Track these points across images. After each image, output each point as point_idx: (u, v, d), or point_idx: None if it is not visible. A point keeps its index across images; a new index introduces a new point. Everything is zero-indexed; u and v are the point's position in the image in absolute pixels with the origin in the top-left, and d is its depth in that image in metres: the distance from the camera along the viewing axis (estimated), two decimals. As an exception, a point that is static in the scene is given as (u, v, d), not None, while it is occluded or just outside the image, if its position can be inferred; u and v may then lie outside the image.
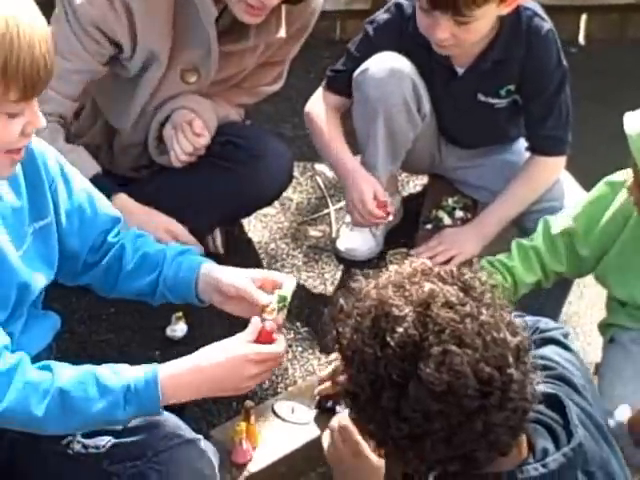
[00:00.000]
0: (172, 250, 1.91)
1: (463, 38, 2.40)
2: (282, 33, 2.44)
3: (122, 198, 2.31)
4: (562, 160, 2.65)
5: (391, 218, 2.57)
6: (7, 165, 1.64)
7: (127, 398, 1.64)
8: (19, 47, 1.51)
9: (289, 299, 1.84)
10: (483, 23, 2.39)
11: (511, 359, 1.42)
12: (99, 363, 2.23)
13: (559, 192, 2.61)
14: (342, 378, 1.52)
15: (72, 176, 1.87)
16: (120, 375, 1.67)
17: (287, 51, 2.59)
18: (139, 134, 2.53)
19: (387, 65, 2.54)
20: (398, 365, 1.40)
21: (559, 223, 2.31)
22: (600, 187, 2.31)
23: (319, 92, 2.68)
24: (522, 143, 2.73)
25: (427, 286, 1.44)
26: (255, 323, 1.79)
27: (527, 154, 2.68)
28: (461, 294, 1.45)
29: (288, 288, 1.85)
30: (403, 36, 2.56)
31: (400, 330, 1.40)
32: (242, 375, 1.72)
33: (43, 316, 1.91)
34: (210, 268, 1.89)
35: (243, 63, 2.52)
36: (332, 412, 1.97)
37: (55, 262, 1.83)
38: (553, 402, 1.59)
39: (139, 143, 2.54)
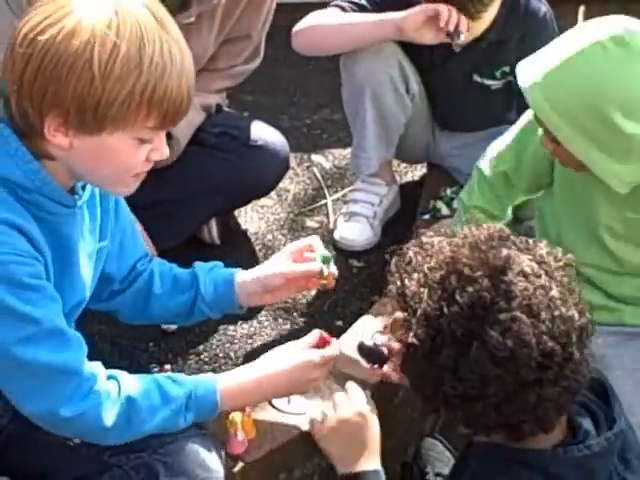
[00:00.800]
0: (202, 268, 1.95)
1: (477, 28, 2.47)
2: None
3: None
4: None
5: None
6: (122, 186, 1.65)
7: (188, 405, 1.67)
8: (169, 76, 1.52)
9: (328, 253, 1.92)
10: (493, 10, 2.45)
11: (574, 338, 1.44)
12: (91, 355, 2.22)
13: None
14: (399, 331, 1.51)
15: (121, 198, 1.87)
16: (180, 384, 1.69)
17: (250, 24, 2.54)
18: None
19: (373, 46, 2.54)
20: (463, 324, 1.41)
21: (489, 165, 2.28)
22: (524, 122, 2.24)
23: (319, 12, 2.65)
24: None
25: (504, 252, 1.45)
26: (314, 333, 1.87)
27: None
28: (535, 266, 1.45)
29: (319, 246, 1.91)
30: (410, 3, 2.54)
31: (471, 290, 1.41)
32: (307, 379, 1.81)
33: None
34: (243, 275, 1.95)
35: (202, 39, 2.46)
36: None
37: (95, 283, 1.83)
38: (597, 388, 1.59)
39: None
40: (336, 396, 1.90)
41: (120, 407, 1.60)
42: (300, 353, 1.81)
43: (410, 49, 2.61)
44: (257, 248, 2.70)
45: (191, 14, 2.39)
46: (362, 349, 1.94)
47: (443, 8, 2.40)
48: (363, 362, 1.97)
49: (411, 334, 1.45)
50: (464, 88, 2.64)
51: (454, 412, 1.49)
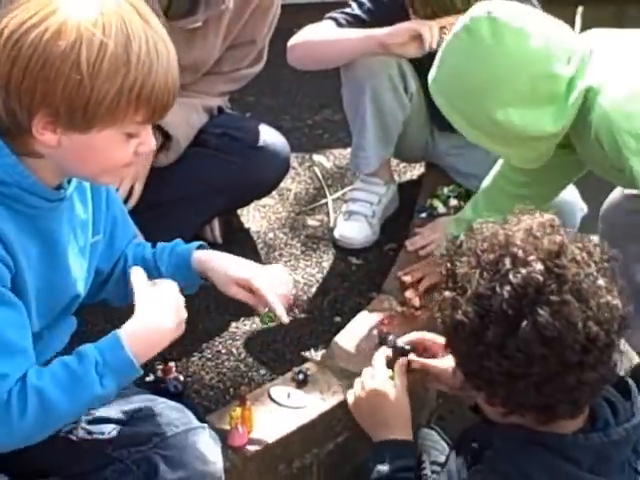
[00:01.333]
0: (163, 250, 1.94)
1: None
2: (228, 5, 2.40)
3: None
4: None
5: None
6: (112, 178, 1.68)
7: (99, 371, 1.59)
8: (156, 73, 1.53)
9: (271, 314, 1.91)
10: None
11: (616, 326, 1.49)
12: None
13: None
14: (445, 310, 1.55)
15: (112, 187, 1.88)
16: (83, 354, 1.60)
17: (254, 30, 2.55)
18: None
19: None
20: (514, 304, 1.45)
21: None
22: None
23: (311, 28, 2.66)
24: None
25: (558, 238, 1.50)
26: None
27: None
28: (585, 255, 1.51)
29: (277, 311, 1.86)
30: (396, 12, 2.57)
31: (524, 272, 1.45)
32: (177, 300, 1.72)
33: (66, 319, 1.90)
34: (201, 256, 1.92)
35: (208, 44, 2.48)
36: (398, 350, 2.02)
37: (92, 277, 1.84)
38: (620, 386, 1.63)
39: None
40: (364, 371, 1.98)
41: (30, 401, 1.53)
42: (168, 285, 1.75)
43: None
44: (259, 247, 2.72)
45: (198, 19, 2.41)
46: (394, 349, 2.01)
47: (425, 30, 2.43)
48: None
49: (459, 312, 1.50)
50: None
51: (495, 389, 1.53)
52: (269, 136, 2.62)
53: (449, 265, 1.57)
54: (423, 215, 2.76)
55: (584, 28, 4.77)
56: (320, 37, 2.59)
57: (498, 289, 1.46)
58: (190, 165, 2.54)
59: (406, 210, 2.84)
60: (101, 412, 1.79)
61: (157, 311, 1.69)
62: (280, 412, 2.07)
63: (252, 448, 1.98)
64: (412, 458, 1.88)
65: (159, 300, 1.71)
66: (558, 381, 1.47)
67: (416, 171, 3.08)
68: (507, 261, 1.48)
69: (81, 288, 1.78)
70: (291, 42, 2.62)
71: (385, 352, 2.01)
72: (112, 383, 1.60)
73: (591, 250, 1.53)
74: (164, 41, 1.56)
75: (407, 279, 2.39)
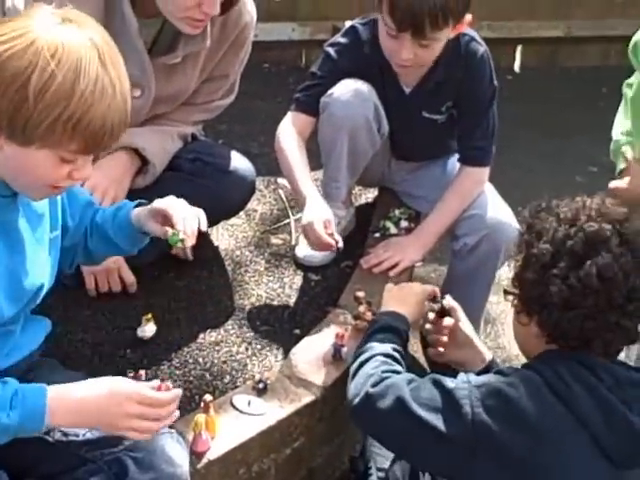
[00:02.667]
0: (107, 217, 1.90)
1: (424, 58, 2.40)
2: (207, 43, 2.35)
3: None
4: (486, 171, 2.62)
5: (340, 245, 2.35)
6: (43, 194, 1.63)
7: (13, 403, 1.50)
8: (95, 112, 1.49)
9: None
10: (440, 44, 2.38)
11: None
12: (75, 361, 2.18)
13: (483, 202, 2.58)
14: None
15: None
16: (8, 383, 1.54)
17: (227, 65, 2.49)
18: None
19: (352, 88, 2.49)
20: (584, 247, 1.61)
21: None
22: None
23: (288, 116, 2.58)
24: (455, 157, 2.71)
25: (624, 211, 1.68)
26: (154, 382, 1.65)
27: (458, 166, 2.65)
28: None
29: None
30: (359, 58, 2.51)
31: (596, 226, 1.63)
32: (122, 411, 1.56)
33: (37, 319, 1.86)
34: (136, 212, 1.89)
35: (186, 78, 2.43)
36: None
37: (56, 270, 1.79)
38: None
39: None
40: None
41: None
42: (123, 384, 1.60)
43: None
44: (226, 263, 2.64)
45: (178, 55, 2.36)
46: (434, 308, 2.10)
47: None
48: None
49: (535, 249, 1.65)
50: (416, 123, 2.61)
51: (550, 313, 1.63)
52: (237, 161, 2.56)
53: (530, 221, 1.70)
54: (377, 235, 2.69)
55: (523, 64, 4.85)
56: (286, 152, 2.52)
57: (572, 234, 1.62)
58: (165, 187, 2.43)
59: (361, 230, 2.77)
60: None
61: (91, 392, 1.57)
62: (241, 419, 1.99)
63: (214, 453, 1.90)
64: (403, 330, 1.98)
65: (97, 385, 1.59)
66: (601, 319, 1.60)
67: (371, 194, 3.02)
68: (582, 216, 1.64)
69: (44, 279, 1.72)
70: (277, 132, 2.57)
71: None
72: (16, 420, 1.50)
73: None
74: (114, 87, 1.52)
75: (361, 295, 2.32)
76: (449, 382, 1.68)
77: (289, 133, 2.54)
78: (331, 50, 2.54)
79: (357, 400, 1.76)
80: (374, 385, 1.74)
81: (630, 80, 2.41)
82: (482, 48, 2.50)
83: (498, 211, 2.56)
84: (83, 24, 1.53)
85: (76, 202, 1.88)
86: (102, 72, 1.50)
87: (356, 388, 1.78)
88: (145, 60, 2.31)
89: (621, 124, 2.38)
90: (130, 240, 1.92)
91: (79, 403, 1.56)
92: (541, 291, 1.63)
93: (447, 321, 2.08)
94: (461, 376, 1.70)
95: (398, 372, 1.79)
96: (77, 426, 1.66)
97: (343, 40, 2.53)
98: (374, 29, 2.46)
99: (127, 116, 1.56)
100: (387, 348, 1.87)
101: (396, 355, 1.86)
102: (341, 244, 2.35)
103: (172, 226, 1.84)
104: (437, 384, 1.68)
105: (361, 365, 1.83)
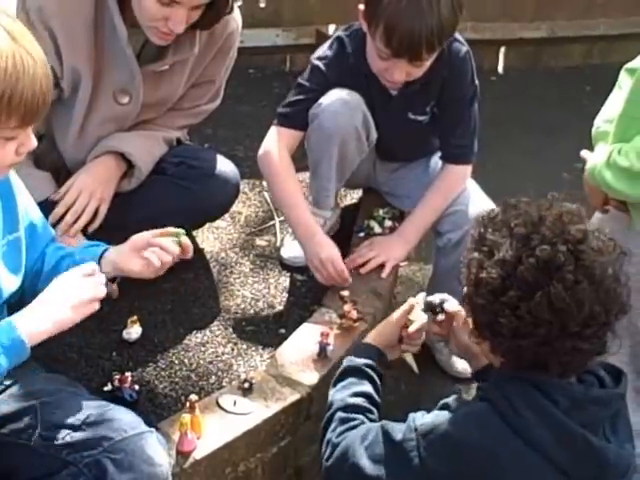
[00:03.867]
0: (72, 253, 1.91)
1: (416, 74, 2.41)
2: (195, 51, 2.36)
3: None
4: (469, 169, 2.63)
5: (350, 281, 2.42)
6: (3, 173, 1.67)
7: None
8: (23, 83, 1.52)
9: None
10: (432, 60, 2.40)
11: (615, 310, 1.55)
12: (62, 364, 2.18)
13: (466, 198, 2.58)
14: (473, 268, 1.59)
15: (28, 194, 1.84)
16: None
17: (214, 71, 2.50)
18: (83, 155, 2.44)
19: (340, 98, 2.48)
20: (535, 274, 1.50)
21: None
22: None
23: (274, 133, 2.52)
24: (437, 155, 2.71)
25: (583, 227, 1.55)
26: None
27: (440, 164, 2.66)
28: (602, 245, 1.55)
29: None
30: (346, 69, 2.51)
31: (549, 249, 1.50)
32: (74, 285, 1.69)
33: None
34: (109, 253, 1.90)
35: (173, 84, 2.44)
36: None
37: (22, 271, 1.78)
38: (614, 373, 1.66)
39: (80, 164, 2.45)
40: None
41: None
42: (69, 272, 1.72)
43: None
44: (212, 265, 2.64)
45: (166, 63, 2.37)
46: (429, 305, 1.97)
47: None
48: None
49: (484, 272, 1.54)
50: (401, 125, 2.61)
51: (501, 342, 1.57)
52: (222, 164, 2.57)
53: (481, 230, 1.60)
54: (361, 235, 2.69)
55: (506, 65, 4.86)
56: (278, 178, 2.49)
57: (524, 259, 1.51)
58: (150, 191, 2.49)
59: (346, 231, 2.77)
60: (56, 419, 1.71)
61: (46, 296, 1.67)
62: (227, 418, 1.98)
63: (201, 453, 1.89)
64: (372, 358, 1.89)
65: (51, 288, 1.69)
66: (556, 345, 1.52)
67: (356, 195, 3.02)
68: (536, 238, 1.52)
69: (4, 285, 1.72)
70: (261, 152, 2.52)
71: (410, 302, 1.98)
72: (5, 362, 1.59)
73: (606, 242, 1.57)
74: (31, 55, 1.55)
75: (345, 294, 2.32)
76: (397, 433, 1.65)
77: (281, 155, 2.49)
78: (319, 63, 2.52)
79: (323, 472, 1.77)
80: (329, 457, 1.74)
81: (634, 64, 2.15)
82: (464, 48, 2.51)
83: (481, 206, 2.53)
84: None
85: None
86: (15, 46, 1.52)
87: (321, 456, 1.78)
88: (134, 68, 2.32)
89: (605, 110, 2.28)
90: None
91: (41, 310, 1.65)
92: (490, 319, 1.56)
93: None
94: (409, 421, 1.66)
95: (355, 426, 1.75)
96: (55, 329, 1.68)
97: (330, 53, 2.52)
98: (358, 39, 2.47)
99: (51, 79, 1.58)
100: (345, 398, 1.81)
101: (356, 401, 1.81)
102: (350, 280, 2.41)
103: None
104: (386, 437, 1.67)
105: (324, 429, 1.80)
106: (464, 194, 2.59)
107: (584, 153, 2.20)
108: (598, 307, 1.51)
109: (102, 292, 1.73)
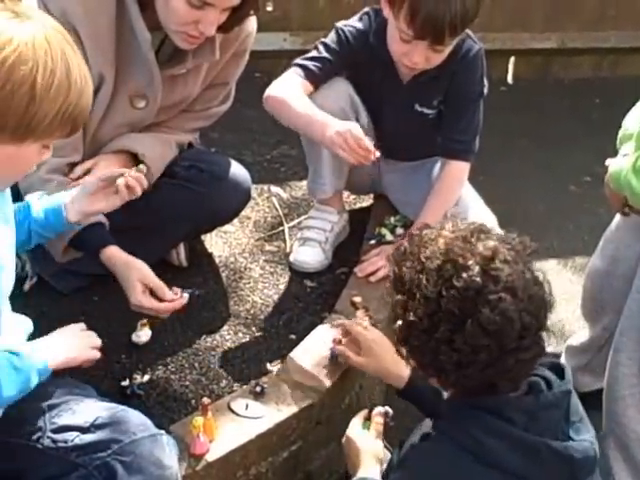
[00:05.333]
0: (34, 201, 1.99)
1: (435, 60, 2.47)
2: (217, 55, 2.39)
3: (111, 250, 2.23)
4: (467, 167, 2.67)
5: (378, 154, 2.36)
6: (13, 182, 1.75)
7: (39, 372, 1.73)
8: (83, 96, 1.58)
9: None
10: (451, 47, 2.45)
11: (543, 312, 1.58)
12: (70, 367, 2.21)
13: (464, 206, 2.64)
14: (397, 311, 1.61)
15: None
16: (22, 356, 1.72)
17: (228, 73, 2.54)
18: (89, 155, 2.43)
19: (326, 83, 2.55)
20: (459, 305, 1.51)
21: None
22: None
23: (291, 77, 2.53)
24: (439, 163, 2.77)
25: (492, 243, 1.57)
26: None
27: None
28: (513, 254, 1.57)
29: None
30: (366, 46, 2.56)
31: (465, 276, 1.52)
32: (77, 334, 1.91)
33: (17, 319, 1.89)
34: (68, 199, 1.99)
35: (188, 87, 2.47)
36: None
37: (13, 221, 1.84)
38: (557, 369, 1.71)
39: None
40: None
41: None
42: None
43: (361, 86, 2.63)
44: (221, 269, 2.68)
45: (186, 66, 2.39)
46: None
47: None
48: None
49: (411, 314, 1.56)
50: (407, 117, 2.66)
51: (447, 376, 1.59)
52: (233, 169, 2.60)
53: (396, 269, 1.62)
54: (372, 242, 2.74)
55: (516, 75, 4.91)
56: (290, 103, 2.47)
57: (444, 292, 1.52)
58: (160, 194, 2.50)
59: (356, 238, 2.82)
60: (65, 421, 1.75)
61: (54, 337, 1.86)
62: (239, 422, 2.03)
63: (213, 456, 1.93)
64: None
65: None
66: (499, 364, 1.54)
67: (365, 202, 3.07)
68: (449, 267, 1.53)
69: (7, 260, 1.75)
70: (267, 93, 2.52)
71: (363, 414, 1.97)
72: (36, 381, 1.72)
73: (517, 248, 1.59)
74: (85, 66, 1.61)
75: (358, 300, 2.36)
76: None
77: (297, 90, 2.49)
78: (347, 32, 2.57)
79: None
80: None
81: None
82: (477, 46, 2.57)
83: (478, 216, 2.58)
84: (38, 14, 1.59)
85: None
86: (78, 57, 1.59)
87: None
88: (155, 73, 2.33)
89: (635, 112, 2.27)
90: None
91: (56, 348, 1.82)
92: (430, 358, 1.58)
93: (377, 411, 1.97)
94: None
95: None
96: (66, 363, 1.83)
97: (359, 25, 2.57)
98: (379, 21, 2.52)
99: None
100: None
101: None
102: (378, 154, 2.36)
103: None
104: None
105: None
106: (461, 203, 2.64)
107: (610, 161, 2.23)
108: (528, 317, 1.54)
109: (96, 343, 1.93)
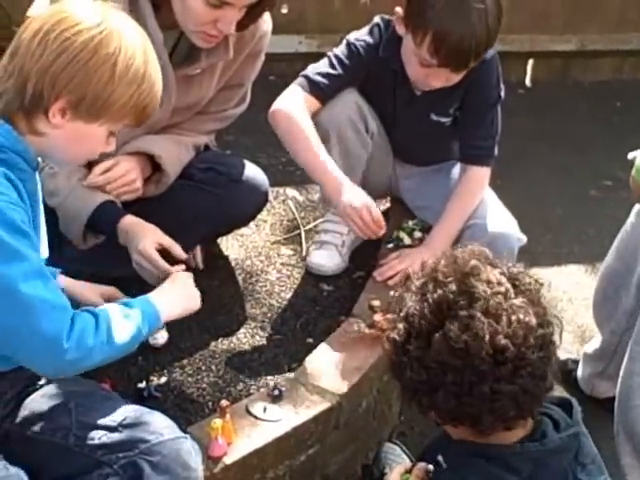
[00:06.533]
0: None
1: (454, 80, 2.51)
2: (230, 54, 2.42)
3: (127, 219, 2.32)
4: (487, 172, 2.70)
5: (384, 231, 2.47)
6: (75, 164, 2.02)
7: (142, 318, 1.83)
8: (157, 89, 1.74)
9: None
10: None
11: (532, 342, 1.49)
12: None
13: (484, 211, 2.66)
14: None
15: None
16: (133, 305, 1.85)
17: (243, 74, 2.57)
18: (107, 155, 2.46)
19: None
20: (429, 319, 1.51)
21: None
22: None
23: (297, 92, 2.55)
24: (458, 167, 2.79)
25: (473, 262, 1.54)
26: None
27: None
28: (503, 278, 1.54)
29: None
30: (377, 59, 2.59)
31: (440, 292, 1.51)
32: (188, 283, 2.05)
33: None
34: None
35: (203, 88, 2.50)
36: None
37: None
38: (566, 406, 1.65)
39: None
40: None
41: (100, 328, 1.72)
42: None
43: (373, 96, 2.67)
44: (237, 272, 2.72)
45: (200, 66, 2.42)
46: None
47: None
48: None
49: (395, 331, 1.57)
50: (423, 126, 2.69)
51: (420, 399, 1.56)
52: (250, 171, 2.63)
53: (397, 293, 1.64)
54: (390, 246, 2.76)
55: (534, 78, 4.93)
56: (296, 131, 2.49)
57: (418, 307, 1.53)
58: (177, 196, 2.54)
59: (372, 241, 2.81)
60: (92, 419, 1.78)
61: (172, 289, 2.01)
62: (257, 425, 2.06)
63: (231, 458, 1.96)
64: None
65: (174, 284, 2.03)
66: (475, 391, 1.48)
67: (382, 206, 3.09)
68: (430, 285, 1.55)
69: (46, 252, 1.84)
70: (274, 108, 2.54)
71: (404, 466, 1.88)
72: (147, 329, 1.84)
73: (514, 275, 1.56)
74: (158, 64, 1.76)
75: (376, 303, 2.39)
76: None
77: (303, 115, 2.50)
78: (359, 46, 2.59)
79: None
80: None
81: None
82: (491, 52, 2.59)
83: (499, 220, 2.62)
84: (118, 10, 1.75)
85: None
86: (154, 55, 1.75)
87: None
88: (169, 72, 2.35)
89: None
90: None
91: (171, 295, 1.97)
92: (403, 376, 1.57)
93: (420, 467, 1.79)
94: None
95: None
96: (182, 314, 2.00)
97: (369, 39, 2.59)
98: (390, 33, 2.55)
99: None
100: None
101: None
102: (385, 230, 2.47)
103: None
104: None
105: None
106: (482, 207, 2.66)
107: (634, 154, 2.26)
108: (502, 340, 1.47)
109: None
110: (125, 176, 2.40)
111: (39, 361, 1.67)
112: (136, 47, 1.70)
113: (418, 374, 1.52)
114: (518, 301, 1.51)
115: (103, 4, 1.72)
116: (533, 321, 1.50)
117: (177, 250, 2.23)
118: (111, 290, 2.11)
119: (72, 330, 1.66)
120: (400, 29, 2.49)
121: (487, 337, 1.46)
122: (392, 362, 1.60)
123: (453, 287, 1.51)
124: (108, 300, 2.01)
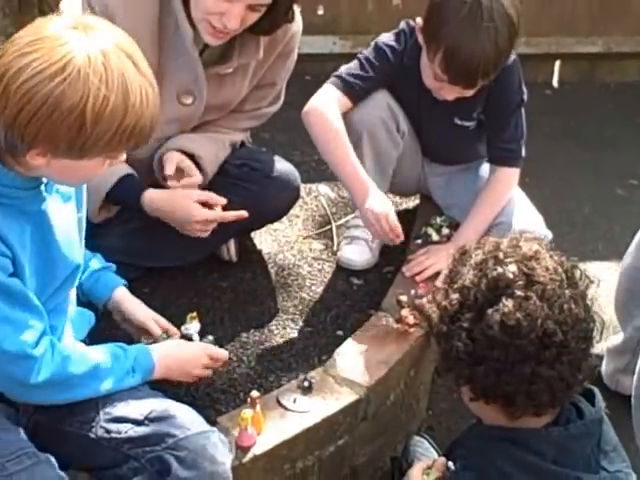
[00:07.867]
0: (94, 264, 2.01)
1: (467, 94, 2.47)
2: (261, 54, 2.38)
3: (150, 193, 2.32)
4: (516, 173, 2.65)
5: (401, 238, 2.46)
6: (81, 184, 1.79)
7: (134, 367, 1.78)
8: (145, 117, 1.55)
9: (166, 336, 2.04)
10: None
11: (576, 331, 1.50)
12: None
13: (511, 209, 2.60)
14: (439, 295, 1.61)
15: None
16: (129, 351, 1.80)
17: (275, 74, 2.52)
18: (145, 154, 2.41)
19: None
20: (486, 294, 1.50)
21: None
22: None
23: (331, 92, 2.51)
24: (486, 165, 2.74)
25: (536, 247, 1.56)
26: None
27: (488, 171, 2.69)
28: (559, 268, 1.54)
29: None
30: (402, 66, 2.55)
31: (500, 269, 1.51)
32: (198, 363, 1.94)
33: (81, 312, 1.91)
34: (122, 297, 2.03)
35: (236, 87, 2.46)
36: None
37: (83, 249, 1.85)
38: (588, 395, 1.65)
39: (145, 162, 2.44)
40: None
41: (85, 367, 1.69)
42: (198, 346, 2.02)
43: (400, 100, 2.62)
44: (269, 266, 2.67)
45: (232, 66, 2.38)
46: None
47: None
48: None
49: (447, 300, 1.56)
50: (448, 130, 2.65)
51: (461, 370, 1.55)
52: (283, 168, 2.59)
53: (451, 266, 1.63)
54: (419, 241, 2.71)
55: (561, 79, 4.85)
56: (327, 131, 2.46)
57: (478, 282, 1.53)
58: (213, 192, 2.50)
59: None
60: (119, 412, 1.74)
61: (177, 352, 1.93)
62: (287, 416, 2.01)
63: (260, 448, 1.92)
64: None
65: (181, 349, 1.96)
66: (515, 370, 1.48)
67: (411, 202, 3.04)
68: (490, 262, 1.54)
69: (79, 259, 1.78)
70: (307, 107, 2.50)
71: (426, 462, 1.86)
72: (138, 380, 1.78)
73: (567, 268, 1.57)
74: (152, 85, 1.57)
75: (404, 298, 2.33)
76: None
77: (334, 114, 2.47)
78: (388, 50, 2.55)
79: None
80: None
81: None
82: (512, 56, 2.53)
83: (526, 218, 2.57)
84: (103, 28, 1.54)
85: None
86: (140, 77, 1.53)
87: None
88: (199, 69, 2.33)
89: None
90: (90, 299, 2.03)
91: (171, 360, 1.88)
92: (449, 344, 1.55)
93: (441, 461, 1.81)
94: None
95: None
96: (166, 376, 1.89)
97: (396, 45, 2.55)
98: (413, 40, 2.51)
99: (158, 107, 1.60)
100: None
101: None
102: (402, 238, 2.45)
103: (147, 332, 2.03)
104: None
105: None
106: (509, 206, 2.60)
107: None
108: (552, 325, 1.47)
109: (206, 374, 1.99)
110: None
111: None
112: (111, 83, 1.48)
113: (465, 345, 1.51)
114: (569, 292, 1.52)
115: (80, 21, 1.53)
116: (582, 314, 1.52)
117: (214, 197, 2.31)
118: (167, 324, 2.05)
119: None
120: (419, 37, 2.46)
121: (539, 320, 1.46)
122: (438, 330, 1.58)
123: (513, 267, 1.51)
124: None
